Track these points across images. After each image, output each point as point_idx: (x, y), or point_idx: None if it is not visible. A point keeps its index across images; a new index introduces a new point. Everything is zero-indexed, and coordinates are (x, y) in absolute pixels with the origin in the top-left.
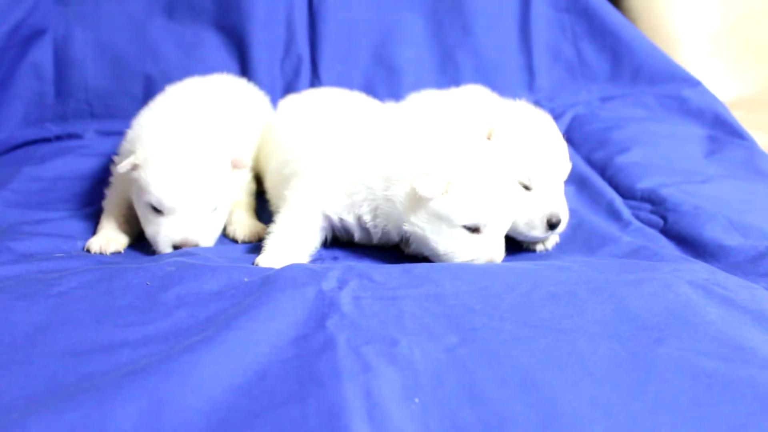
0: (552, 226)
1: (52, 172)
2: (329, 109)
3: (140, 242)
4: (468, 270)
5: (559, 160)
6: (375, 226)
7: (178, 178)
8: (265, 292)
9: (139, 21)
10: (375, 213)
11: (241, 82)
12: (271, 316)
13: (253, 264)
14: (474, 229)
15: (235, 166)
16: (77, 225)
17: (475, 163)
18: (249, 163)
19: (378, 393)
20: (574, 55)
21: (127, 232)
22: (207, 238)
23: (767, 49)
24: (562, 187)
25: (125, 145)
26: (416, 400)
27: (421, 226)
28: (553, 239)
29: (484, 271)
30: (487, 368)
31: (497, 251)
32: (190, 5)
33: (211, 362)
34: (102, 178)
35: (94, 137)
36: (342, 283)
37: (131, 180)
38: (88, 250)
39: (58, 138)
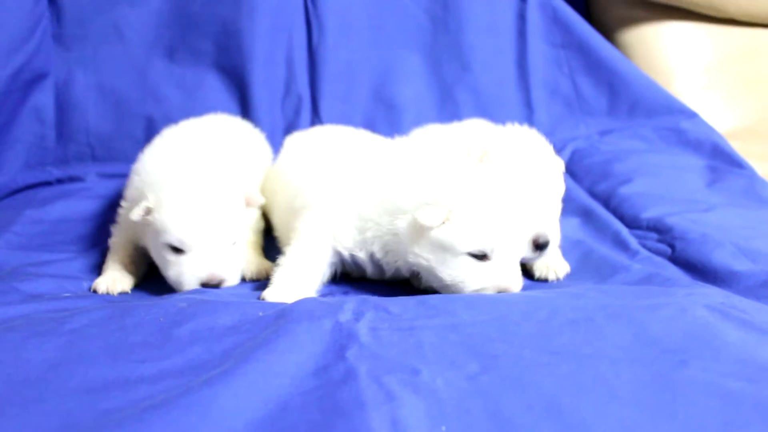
0: (539, 246)
1: (54, 215)
2: (337, 144)
3: (146, 282)
4: (483, 300)
5: (551, 180)
6: (387, 263)
7: (196, 214)
8: (282, 325)
9: (140, 63)
10: (386, 249)
11: (237, 121)
12: (289, 349)
13: (259, 298)
14: (481, 257)
15: (248, 203)
16: (82, 266)
17: (475, 190)
18: (262, 200)
19: (404, 422)
20: (571, 90)
21: (133, 272)
22: (232, 274)
23: (761, 80)
24: (555, 208)
25: (131, 191)
26: (443, 428)
27: (425, 257)
28: (565, 269)
29: (499, 300)
30: (511, 395)
31: (510, 279)
32: (190, 47)
33: (230, 395)
34: (105, 219)
35: (95, 180)
36: (358, 315)
37: (144, 224)
38: (94, 291)
39: (60, 181)
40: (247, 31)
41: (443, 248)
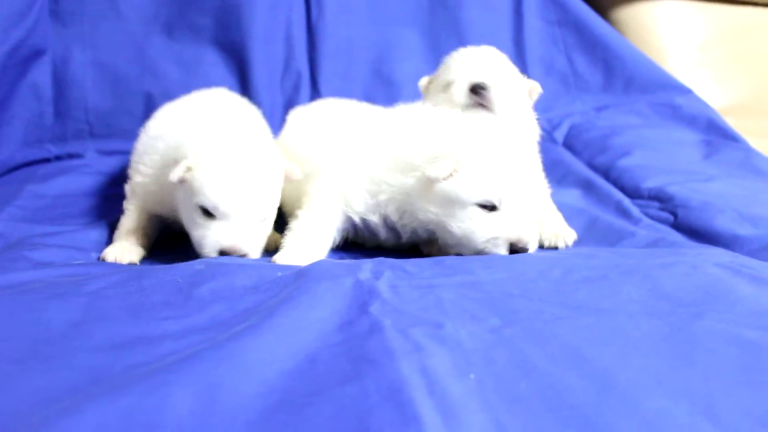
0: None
1: (56, 190)
2: (342, 113)
3: (153, 256)
4: (499, 259)
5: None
6: (403, 225)
7: (237, 182)
8: (302, 283)
9: (139, 40)
10: (400, 211)
11: (237, 96)
12: (312, 305)
13: (270, 261)
14: (490, 207)
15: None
16: (87, 238)
17: (481, 141)
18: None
19: (433, 370)
20: (567, 67)
21: (143, 245)
22: (255, 249)
23: (752, 58)
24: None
25: (152, 157)
26: (471, 375)
27: (434, 212)
28: (572, 235)
29: (515, 260)
30: (534, 346)
31: (521, 229)
32: (189, 23)
33: (258, 348)
34: (106, 194)
35: (95, 156)
36: (377, 274)
37: (177, 185)
38: (103, 260)
39: (58, 158)
40: (246, 7)
41: (452, 201)
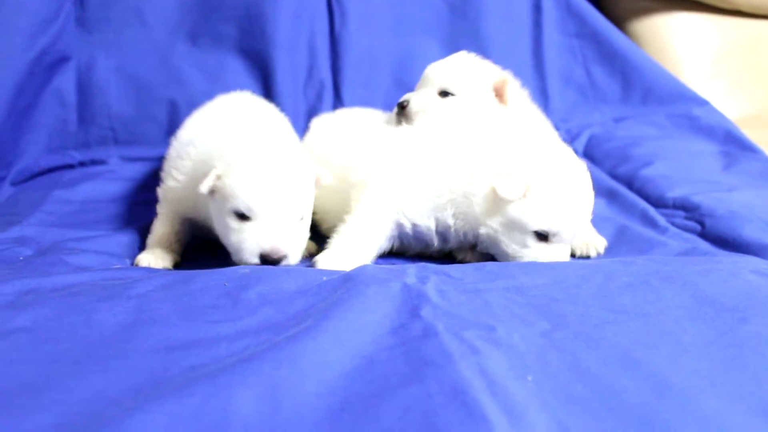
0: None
1: (82, 195)
2: (373, 121)
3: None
4: (538, 265)
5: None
6: (457, 230)
7: (268, 180)
8: (351, 287)
9: (163, 47)
10: (457, 216)
11: (262, 100)
12: (364, 309)
13: (311, 263)
14: (543, 237)
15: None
16: (119, 243)
17: (555, 169)
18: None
19: (492, 372)
20: (585, 78)
21: (176, 251)
22: (295, 251)
23: (767, 71)
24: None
25: (184, 163)
26: (529, 377)
27: (495, 228)
28: (603, 243)
29: (555, 266)
30: (585, 349)
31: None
32: (213, 31)
33: (316, 350)
34: (134, 200)
35: (118, 163)
36: (423, 279)
37: (209, 194)
38: (136, 265)
39: (82, 164)
40: (270, 15)
41: (514, 223)
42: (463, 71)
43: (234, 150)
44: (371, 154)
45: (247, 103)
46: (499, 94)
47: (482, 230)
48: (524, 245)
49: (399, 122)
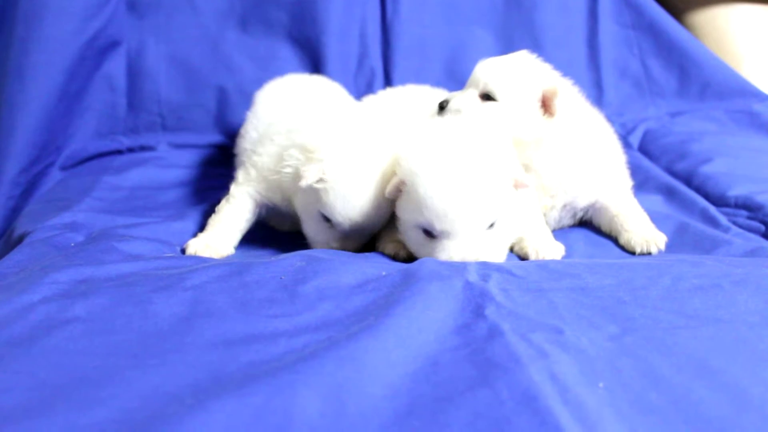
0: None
1: (131, 182)
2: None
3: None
4: (604, 265)
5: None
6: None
7: (360, 195)
8: (412, 283)
9: (213, 34)
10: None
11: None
12: (426, 307)
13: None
14: (427, 232)
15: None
16: (170, 230)
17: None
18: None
19: (563, 377)
20: (641, 71)
21: (231, 243)
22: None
23: None
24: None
25: (271, 148)
26: (600, 384)
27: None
28: (663, 239)
29: (621, 266)
30: (657, 355)
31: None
32: (264, 18)
33: (379, 349)
34: (183, 187)
35: (166, 149)
36: (485, 276)
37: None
38: (182, 251)
39: (130, 150)
40: (322, 2)
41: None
42: (511, 75)
43: (342, 160)
44: None
45: (328, 89)
46: (546, 104)
47: None
48: (415, 239)
49: None
